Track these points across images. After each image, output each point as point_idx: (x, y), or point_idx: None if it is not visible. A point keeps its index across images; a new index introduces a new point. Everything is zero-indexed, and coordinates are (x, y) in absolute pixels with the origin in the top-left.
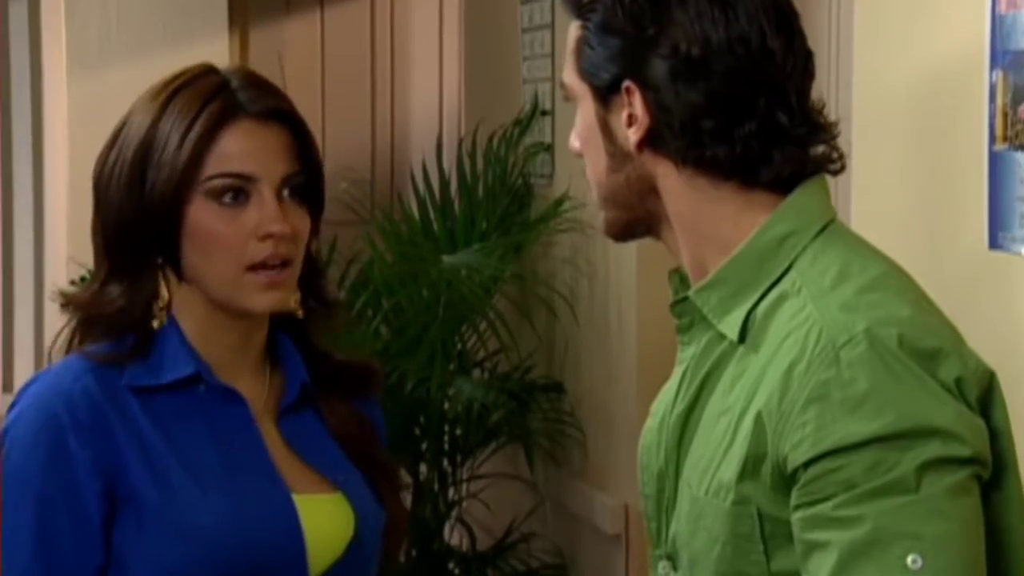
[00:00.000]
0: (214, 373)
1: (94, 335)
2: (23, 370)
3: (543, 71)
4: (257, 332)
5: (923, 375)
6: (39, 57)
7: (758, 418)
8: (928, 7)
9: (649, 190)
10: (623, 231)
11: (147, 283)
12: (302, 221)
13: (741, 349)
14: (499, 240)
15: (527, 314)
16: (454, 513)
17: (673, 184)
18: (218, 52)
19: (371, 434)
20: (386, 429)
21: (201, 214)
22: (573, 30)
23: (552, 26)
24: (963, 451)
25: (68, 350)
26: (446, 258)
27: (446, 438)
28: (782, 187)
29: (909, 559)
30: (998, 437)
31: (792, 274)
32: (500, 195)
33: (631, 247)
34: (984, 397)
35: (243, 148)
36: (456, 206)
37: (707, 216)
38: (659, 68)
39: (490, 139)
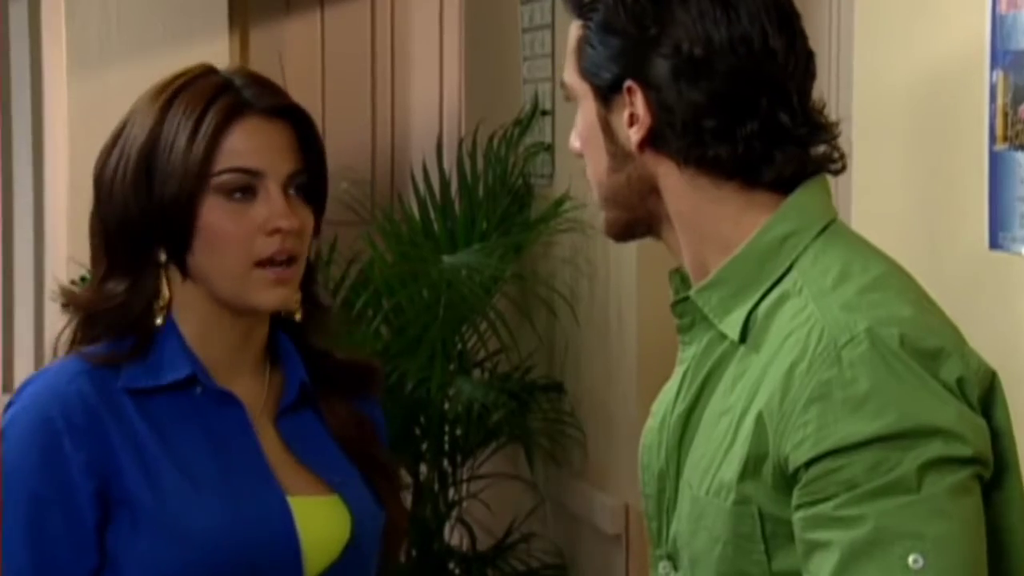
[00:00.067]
0: (211, 376)
1: (94, 334)
2: (23, 370)
3: (543, 71)
4: (258, 331)
5: (925, 375)
6: (39, 57)
7: (759, 418)
8: (928, 7)
9: (650, 190)
10: (624, 231)
11: (149, 281)
12: (307, 218)
13: (742, 349)
14: (499, 240)
15: (527, 314)
16: (454, 513)
17: (674, 184)
18: (218, 52)
19: (371, 434)
20: (387, 429)
21: (212, 211)
22: (574, 30)
23: (552, 26)
24: (964, 451)
25: (69, 349)
26: (446, 258)
27: (446, 438)
28: (783, 187)
29: (910, 559)
30: (999, 437)
31: (793, 274)
32: (500, 195)
33: (631, 247)
34: (986, 397)
35: (251, 144)
36: (456, 206)
37: (708, 216)
38: (661, 68)
39: (490, 139)
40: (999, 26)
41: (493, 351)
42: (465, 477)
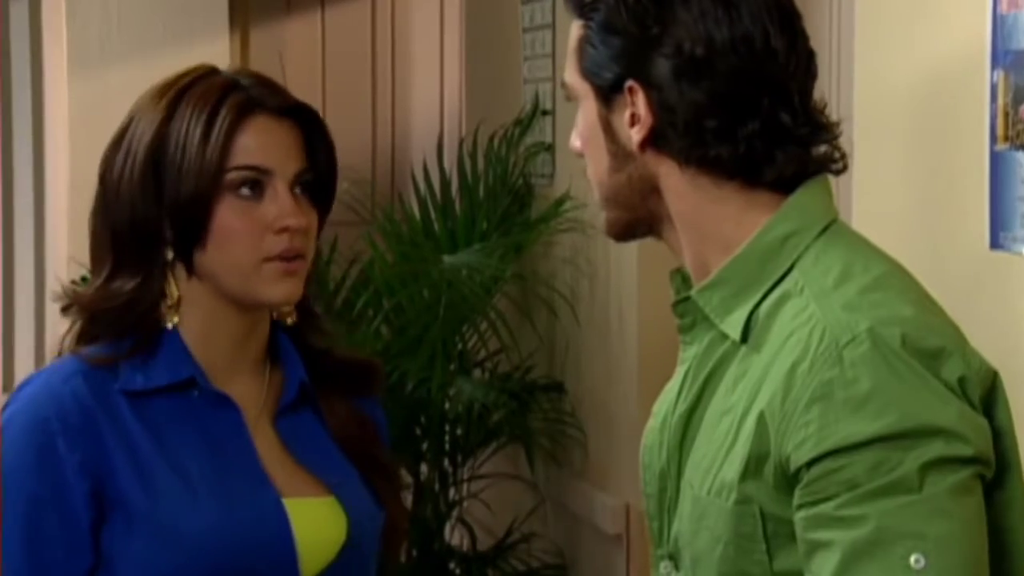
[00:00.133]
0: (210, 378)
1: (95, 333)
2: (23, 370)
3: (544, 71)
4: (259, 329)
5: (926, 374)
6: (40, 57)
7: (761, 418)
8: (929, 7)
9: (651, 190)
10: (625, 231)
11: (155, 280)
12: (313, 218)
13: (743, 349)
14: (500, 240)
15: (528, 314)
16: (455, 513)
17: (676, 184)
18: (219, 52)
19: (371, 434)
20: (388, 429)
21: (225, 208)
22: (575, 29)
23: (553, 26)
24: (966, 451)
25: (72, 349)
26: (447, 258)
27: (447, 438)
28: (784, 187)
29: (912, 559)
30: (1001, 437)
31: (795, 274)
32: (501, 195)
33: (632, 247)
34: (987, 397)
35: (260, 142)
36: (457, 206)
37: (710, 216)
38: (662, 67)
39: (491, 139)
40: (1000, 26)
41: (494, 351)
42: (465, 477)
